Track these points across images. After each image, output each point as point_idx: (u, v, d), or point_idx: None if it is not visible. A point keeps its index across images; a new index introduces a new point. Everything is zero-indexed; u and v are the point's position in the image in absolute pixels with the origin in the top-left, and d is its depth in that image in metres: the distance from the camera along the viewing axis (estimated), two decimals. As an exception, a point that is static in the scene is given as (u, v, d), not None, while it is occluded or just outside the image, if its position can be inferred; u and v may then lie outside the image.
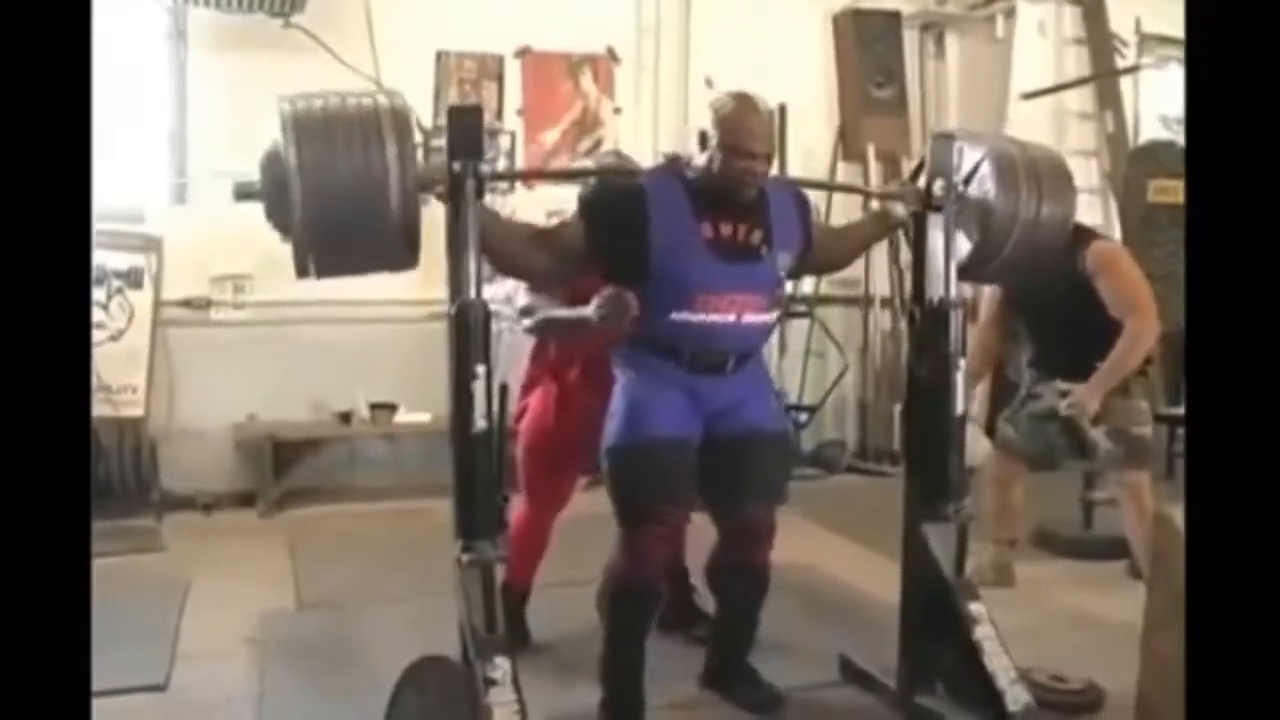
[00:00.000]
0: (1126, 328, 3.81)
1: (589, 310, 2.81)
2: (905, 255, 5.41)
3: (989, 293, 4.17)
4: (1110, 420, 3.91)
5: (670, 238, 2.85)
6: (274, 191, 2.48)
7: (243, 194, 2.55)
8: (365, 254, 2.55)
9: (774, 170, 3.06)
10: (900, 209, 3.16)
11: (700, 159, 2.90)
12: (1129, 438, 3.93)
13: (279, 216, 2.49)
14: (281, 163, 2.44)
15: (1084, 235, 3.82)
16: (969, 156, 3.01)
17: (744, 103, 2.90)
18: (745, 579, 3.10)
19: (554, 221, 2.98)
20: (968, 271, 3.11)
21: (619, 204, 2.92)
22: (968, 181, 3.00)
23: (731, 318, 2.90)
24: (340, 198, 2.42)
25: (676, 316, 2.86)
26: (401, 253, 2.55)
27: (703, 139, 2.89)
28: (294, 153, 2.42)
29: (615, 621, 2.97)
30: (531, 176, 3.09)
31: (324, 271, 2.57)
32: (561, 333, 3.20)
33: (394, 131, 2.47)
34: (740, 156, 2.84)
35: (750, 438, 2.99)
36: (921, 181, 3.11)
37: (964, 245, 3.06)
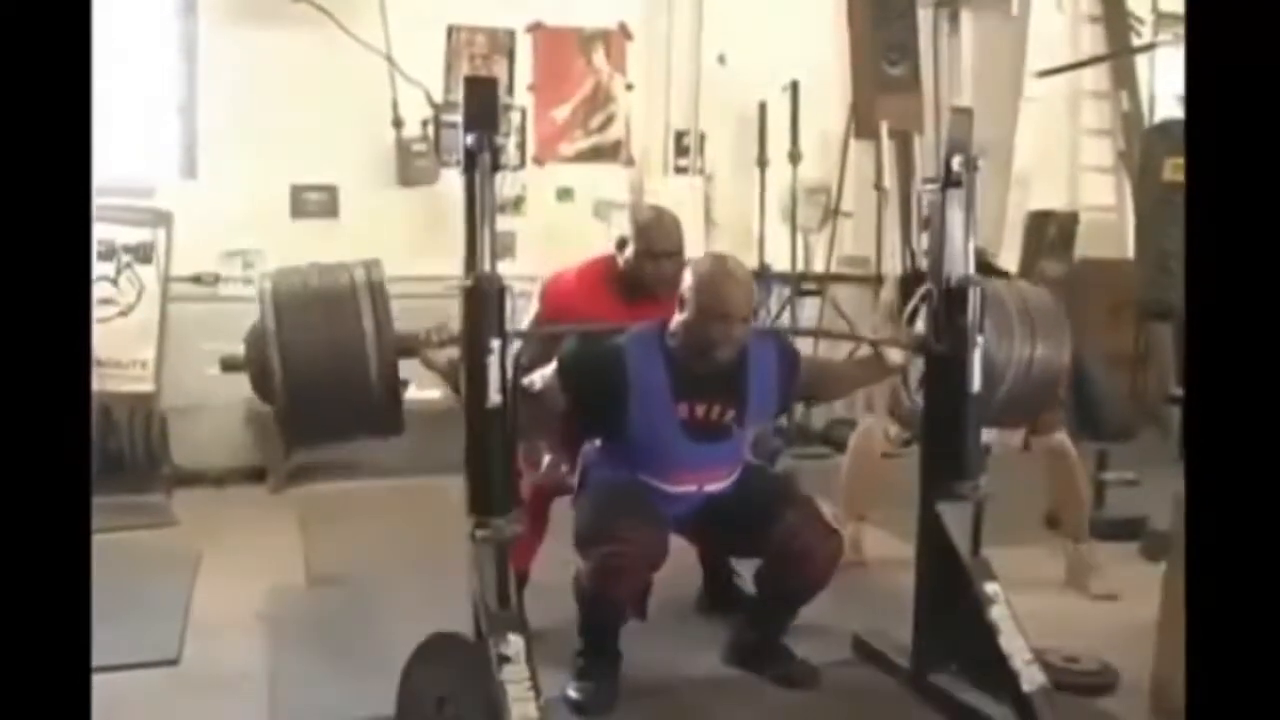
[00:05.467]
0: None
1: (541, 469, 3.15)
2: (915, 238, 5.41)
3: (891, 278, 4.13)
4: None
5: (647, 414, 2.97)
6: (258, 366, 2.59)
7: (229, 367, 2.70)
8: (349, 423, 2.70)
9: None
10: (896, 355, 3.12)
11: (678, 320, 2.96)
12: None
13: (264, 389, 2.60)
14: (263, 338, 2.56)
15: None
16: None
17: (719, 265, 2.99)
18: (791, 590, 3.13)
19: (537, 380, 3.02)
20: None
21: (600, 374, 2.99)
22: (960, 183, 2.96)
23: (694, 488, 3.08)
24: (320, 371, 2.55)
25: (644, 476, 3.05)
26: (384, 420, 2.67)
27: (680, 302, 2.95)
28: (274, 329, 2.55)
29: (586, 618, 3.06)
30: (535, 333, 3.25)
31: (309, 441, 2.74)
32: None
33: (370, 303, 2.59)
34: (717, 320, 2.90)
35: (724, 494, 3.11)
36: (919, 326, 3.12)
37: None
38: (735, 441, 3.09)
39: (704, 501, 3.12)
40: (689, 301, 2.93)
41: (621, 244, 3.45)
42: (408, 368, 5.83)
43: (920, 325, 3.13)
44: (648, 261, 3.38)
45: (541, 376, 2.99)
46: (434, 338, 2.64)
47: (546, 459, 3.21)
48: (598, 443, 3.16)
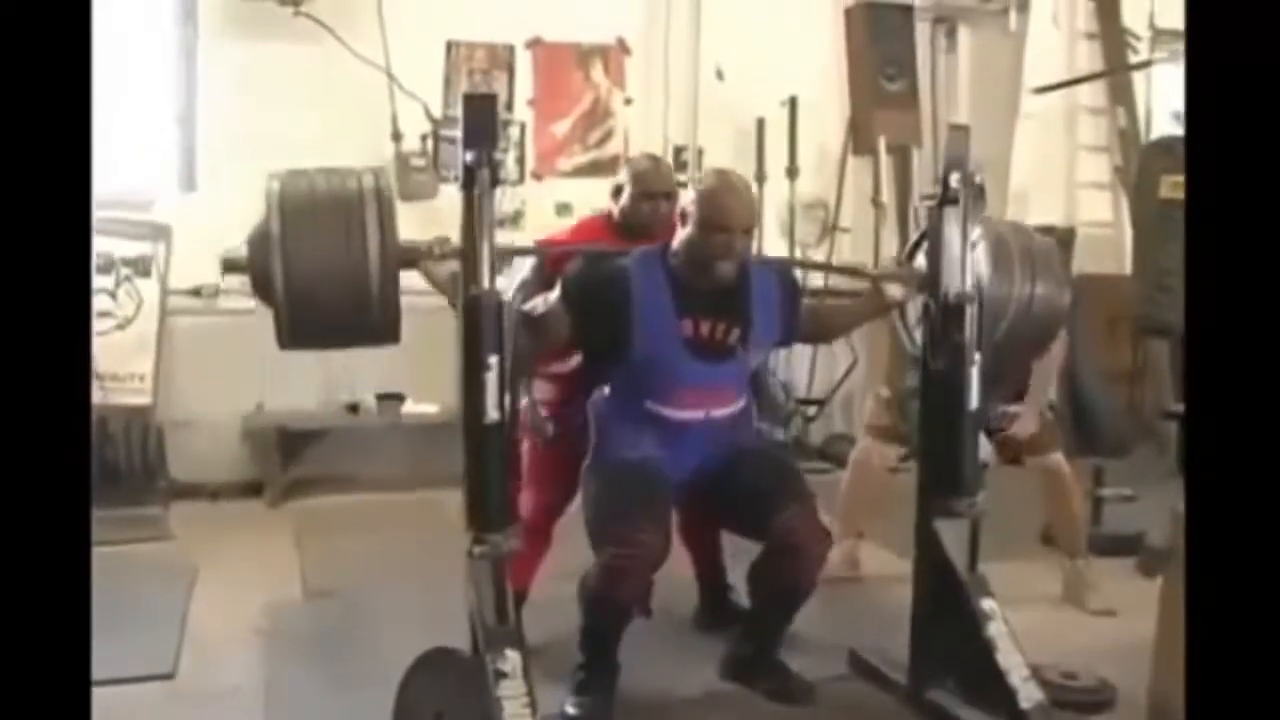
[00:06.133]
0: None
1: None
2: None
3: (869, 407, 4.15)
4: None
5: (651, 331, 2.96)
6: (260, 267, 2.55)
7: (230, 267, 2.65)
8: (345, 329, 2.65)
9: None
10: (896, 290, 3.13)
11: (680, 237, 2.96)
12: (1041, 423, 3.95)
13: (264, 290, 2.56)
14: (267, 239, 2.51)
15: None
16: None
17: (722, 179, 3.03)
18: (780, 588, 3.11)
19: (539, 304, 3.01)
20: None
21: (604, 291, 2.98)
22: (957, 200, 2.96)
23: (700, 414, 3.05)
24: (321, 275, 2.51)
25: (649, 406, 3.03)
26: (381, 330, 2.63)
27: (683, 216, 2.96)
28: (278, 230, 2.50)
29: (589, 622, 3.05)
30: (537, 251, 3.24)
31: (304, 344, 2.71)
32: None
33: (376, 210, 2.55)
34: (719, 231, 2.91)
35: (734, 459, 3.09)
36: (919, 260, 3.13)
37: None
38: (740, 363, 3.07)
39: (714, 456, 3.07)
40: (691, 215, 2.95)
41: (617, 190, 3.51)
42: (403, 383, 5.82)
43: (920, 261, 3.13)
44: (644, 203, 3.43)
45: (544, 300, 2.99)
46: (436, 250, 2.62)
47: (524, 400, 3.10)
48: (606, 390, 3.12)
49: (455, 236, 2.58)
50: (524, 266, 3.46)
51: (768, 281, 3.11)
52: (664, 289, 2.98)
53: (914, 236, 3.27)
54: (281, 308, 2.52)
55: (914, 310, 3.20)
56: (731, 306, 3.02)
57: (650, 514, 2.95)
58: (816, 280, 6.38)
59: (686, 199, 3.02)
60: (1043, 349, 3.55)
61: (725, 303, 3.01)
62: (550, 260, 3.39)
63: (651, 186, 3.45)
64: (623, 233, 3.45)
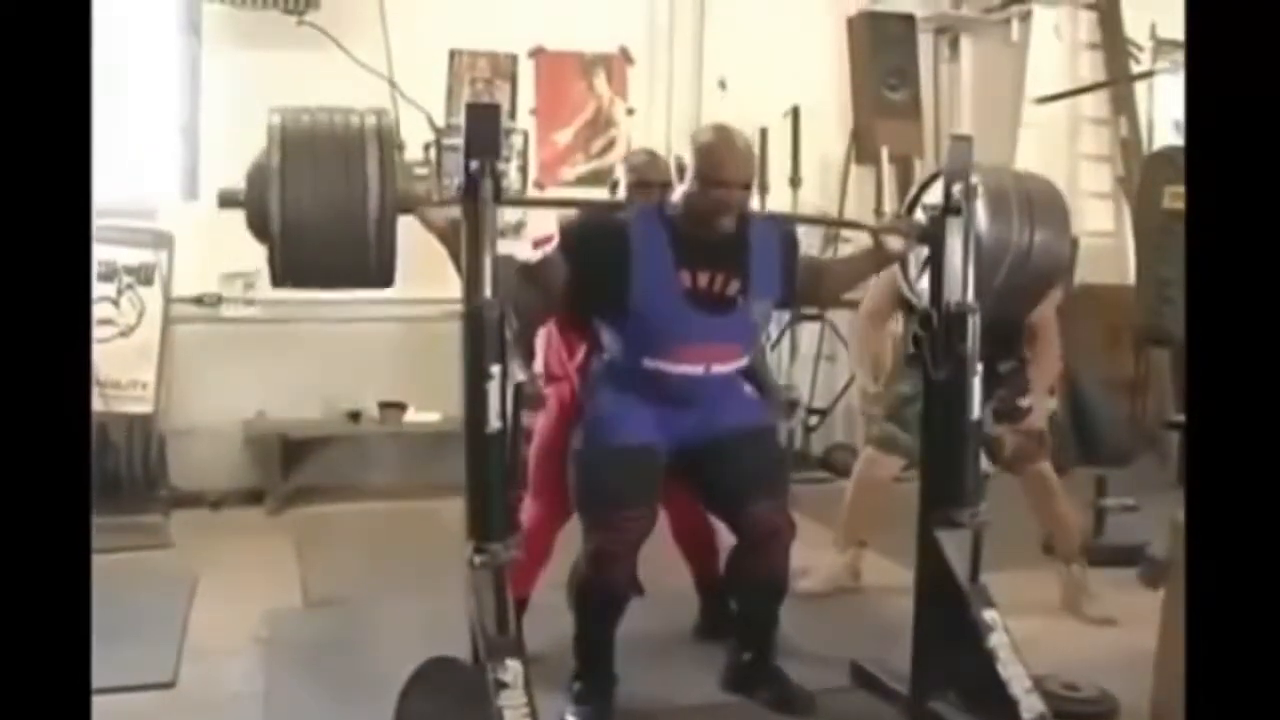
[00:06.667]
0: (1040, 337, 3.93)
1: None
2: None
3: (874, 282, 4.02)
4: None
5: (649, 284, 2.92)
6: (256, 200, 2.52)
7: (227, 200, 2.59)
8: (339, 269, 2.60)
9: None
10: (896, 242, 3.11)
11: (679, 192, 2.96)
12: (1031, 431, 3.94)
13: (259, 224, 2.53)
14: (265, 172, 2.48)
15: None
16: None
17: (721, 133, 2.99)
18: (757, 580, 3.12)
19: (538, 254, 2.99)
20: None
21: (602, 241, 2.97)
22: (959, 211, 2.94)
23: (701, 369, 3.00)
24: (318, 211, 2.47)
25: (649, 363, 2.97)
26: (376, 271, 2.58)
27: (680, 169, 2.96)
28: (277, 164, 2.47)
29: (581, 617, 3.07)
30: (530, 204, 3.20)
31: (297, 281, 2.65)
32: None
33: (377, 151, 2.51)
34: (717, 185, 2.89)
35: (728, 439, 3.06)
36: (919, 213, 3.12)
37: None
38: (740, 315, 3.02)
39: (707, 427, 3.03)
40: (689, 168, 2.94)
41: (614, 184, 3.53)
42: (405, 392, 5.82)
43: (920, 214, 3.11)
44: (640, 192, 3.40)
45: (543, 252, 2.97)
46: (434, 195, 2.62)
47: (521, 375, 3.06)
48: (605, 357, 3.09)
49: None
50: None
51: (767, 235, 3.08)
52: (662, 241, 2.95)
53: (916, 187, 3.24)
54: (276, 243, 2.50)
55: (914, 262, 3.17)
56: (731, 258, 2.98)
57: (637, 497, 2.97)
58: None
59: (685, 153, 2.99)
60: (1041, 298, 3.43)
61: (724, 254, 2.98)
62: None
63: (647, 175, 3.44)
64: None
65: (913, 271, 3.22)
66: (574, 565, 3.02)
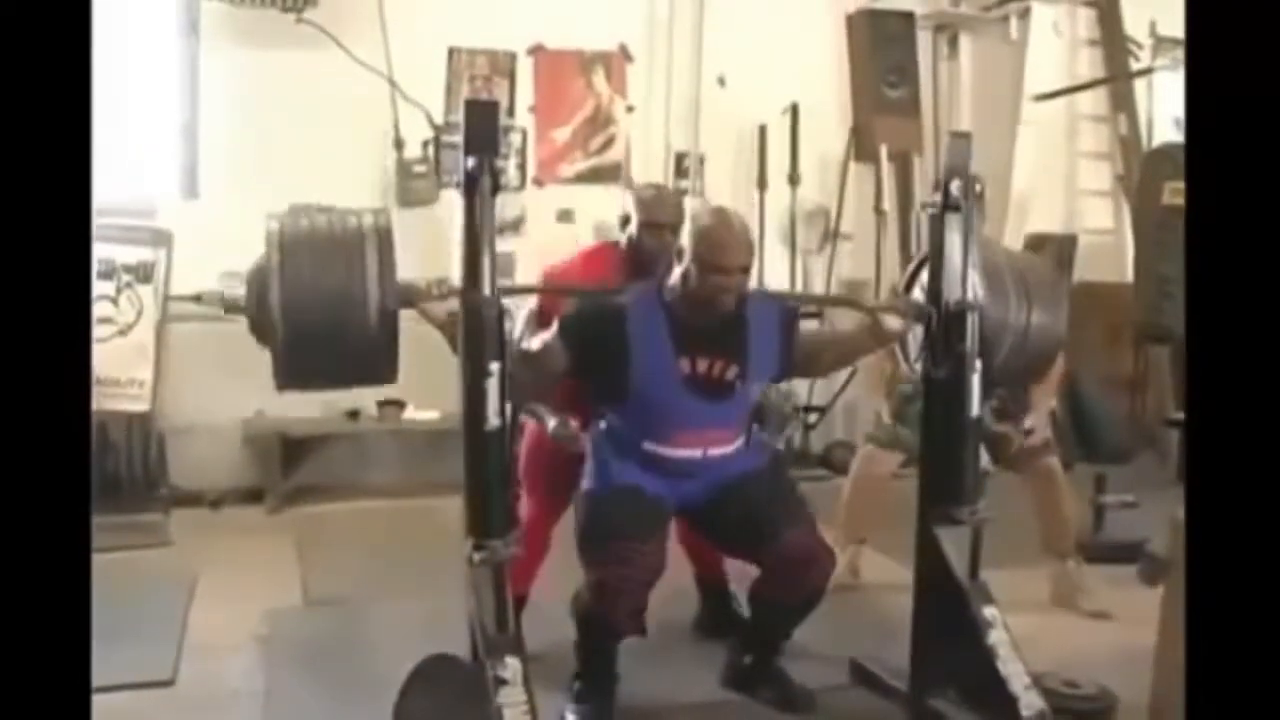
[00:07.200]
0: None
1: (550, 424, 2.93)
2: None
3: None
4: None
5: (648, 371, 2.94)
6: (258, 306, 2.56)
7: (230, 307, 2.66)
8: (343, 370, 2.65)
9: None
10: (895, 321, 3.05)
11: (676, 273, 2.94)
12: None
13: (261, 330, 2.57)
14: (266, 279, 2.52)
15: None
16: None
17: (719, 217, 2.98)
18: (791, 606, 3.09)
19: (537, 342, 3.00)
20: None
21: (600, 329, 2.96)
22: (959, 208, 2.95)
23: (699, 453, 3.01)
24: (319, 314, 2.51)
25: (647, 446, 2.99)
26: (380, 369, 2.63)
27: (679, 254, 2.93)
28: (277, 269, 2.50)
29: (584, 638, 3.06)
30: (531, 290, 3.23)
31: (303, 385, 2.71)
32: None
33: (376, 252, 2.54)
34: (715, 271, 2.88)
35: (735, 484, 3.05)
36: (916, 293, 3.12)
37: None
38: (738, 400, 3.03)
39: (712, 484, 3.04)
40: (687, 252, 2.91)
41: (625, 220, 3.45)
42: (403, 390, 5.82)
43: (918, 293, 3.12)
44: (651, 233, 3.36)
45: (541, 339, 2.97)
46: (435, 290, 2.62)
47: (552, 421, 3.01)
48: (603, 425, 3.08)
49: (454, 277, 2.58)
50: (531, 300, 3.42)
51: (766, 314, 3.07)
52: (661, 327, 2.95)
53: (913, 265, 3.23)
54: (280, 349, 2.53)
55: (914, 341, 3.16)
56: (729, 342, 2.99)
57: (646, 532, 2.93)
58: (817, 287, 6.47)
59: (682, 236, 2.97)
60: (1040, 376, 3.55)
61: (723, 339, 2.98)
62: (545, 300, 3.36)
63: (657, 217, 3.37)
64: (630, 262, 3.41)
65: (912, 351, 3.21)
66: (576, 593, 2.97)
